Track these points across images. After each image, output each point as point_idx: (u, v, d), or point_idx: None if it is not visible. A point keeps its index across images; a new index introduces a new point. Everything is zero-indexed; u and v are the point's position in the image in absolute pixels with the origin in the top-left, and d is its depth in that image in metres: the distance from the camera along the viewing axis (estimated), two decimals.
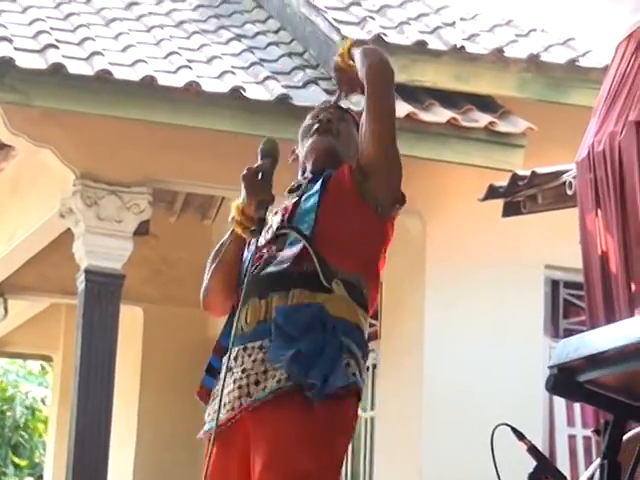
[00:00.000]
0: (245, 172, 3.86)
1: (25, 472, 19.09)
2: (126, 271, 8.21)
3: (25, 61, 7.43)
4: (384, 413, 8.68)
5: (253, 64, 8.18)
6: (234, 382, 3.60)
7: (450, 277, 7.94)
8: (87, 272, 8.02)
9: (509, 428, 4.04)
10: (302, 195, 3.90)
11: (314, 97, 7.64)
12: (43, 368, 17.73)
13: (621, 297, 5.77)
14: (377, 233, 3.86)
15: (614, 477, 3.16)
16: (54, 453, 13.60)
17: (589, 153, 6.03)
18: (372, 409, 8.97)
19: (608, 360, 3.06)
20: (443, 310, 8.07)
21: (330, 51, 7.92)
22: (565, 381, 3.21)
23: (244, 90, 7.65)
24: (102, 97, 7.58)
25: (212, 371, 3.81)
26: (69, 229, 8.54)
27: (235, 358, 3.63)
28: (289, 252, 3.71)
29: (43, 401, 18.26)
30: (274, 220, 3.87)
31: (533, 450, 3.90)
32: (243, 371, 3.61)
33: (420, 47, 7.77)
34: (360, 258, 3.79)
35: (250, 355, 3.63)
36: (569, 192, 6.43)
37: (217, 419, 3.52)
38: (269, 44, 8.69)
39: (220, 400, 3.61)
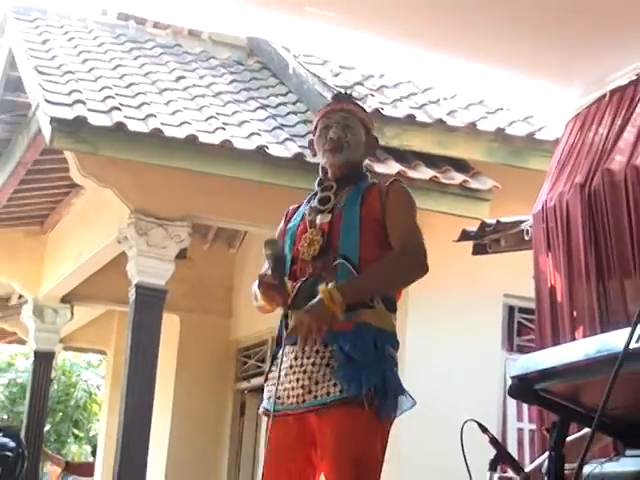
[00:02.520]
0: (260, 283, 3.72)
1: (82, 442, 19.30)
2: (168, 286, 8.24)
3: (95, 120, 7.47)
4: None
5: (275, 128, 8.23)
6: (297, 380, 3.64)
7: (428, 302, 7.89)
8: (137, 287, 8.10)
9: (475, 423, 4.09)
10: (333, 209, 3.82)
11: None
12: (100, 361, 17.75)
13: (565, 322, 5.78)
14: None
15: (560, 466, 3.19)
16: (106, 427, 13.73)
17: (543, 208, 6.06)
18: None
19: (557, 374, 3.08)
20: (422, 328, 8.01)
21: None
22: (523, 389, 3.24)
23: (267, 148, 7.70)
24: (154, 150, 7.63)
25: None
26: (124, 252, 8.57)
27: (295, 358, 3.64)
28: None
29: (98, 387, 18.40)
30: (313, 234, 3.79)
31: (494, 441, 3.91)
32: (304, 372, 3.63)
33: (410, 119, 7.81)
34: None
35: (308, 358, 3.63)
36: (526, 237, 6.45)
37: (274, 405, 3.64)
38: (288, 113, 8.73)
39: (276, 389, 3.68)
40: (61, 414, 18.20)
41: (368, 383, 3.56)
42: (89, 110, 7.57)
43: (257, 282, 3.75)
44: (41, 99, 7.73)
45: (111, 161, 7.85)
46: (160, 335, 8.12)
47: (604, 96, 6.06)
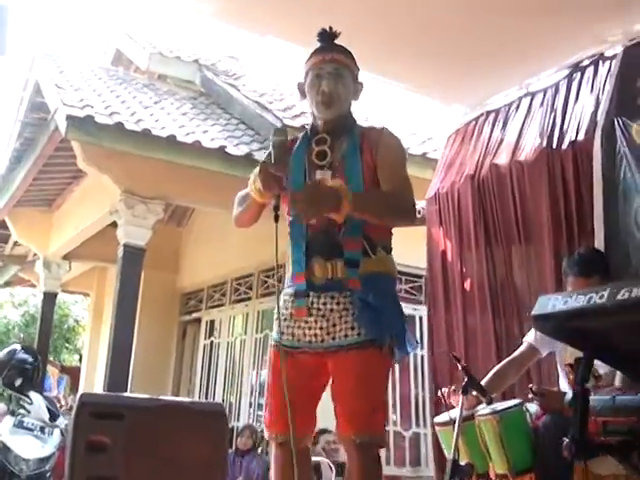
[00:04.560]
0: (260, 169, 2.33)
1: (72, 353, 18.02)
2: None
3: (99, 119, 5.95)
4: None
5: (228, 137, 6.75)
6: (315, 322, 2.34)
7: None
8: (125, 246, 6.51)
9: (451, 356, 2.81)
10: (332, 164, 2.45)
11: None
12: (84, 300, 16.23)
13: (455, 275, 4.68)
14: None
15: (585, 398, 1.93)
16: (89, 344, 12.30)
17: (435, 194, 4.97)
18: None
19: (585, 314, 1.86)
20: None
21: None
22: (554, 325, 1.98)
23: (226, 147, 6.26)
24: (143, 144, 6.11)
25: (302, 294, 2.43)
26: (108, 226, 7.33)
27: (312, 303, 2.35)
28: (348, 239, 2.39)
29: (83, 317, 16.92)
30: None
31: (465, 370, 2.66)
32: (323, 316, 2.33)
33: None
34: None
35: (325, 304, 2.34)
36: (419, 216, 5.31)
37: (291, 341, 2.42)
38: (235, 129, 7.18)
39: (287, 327, 2.42)
40: (57, 334, 16.57)
41: (389, 328, 2.31)
42: (95, 113, 6.02)
43: (258, 169, 2.36)
44: (59, 104, 6.13)
45: (108, 153, 6.24)
46: (140, 282, 6.61)
47: (482, 115, 4.92)
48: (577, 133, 3.92)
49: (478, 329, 4.40)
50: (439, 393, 2.80)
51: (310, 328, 2.37)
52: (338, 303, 2.35)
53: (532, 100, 4.49)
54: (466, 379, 2.60)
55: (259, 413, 7.81)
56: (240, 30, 4.37)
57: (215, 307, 9.42)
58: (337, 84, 2.47)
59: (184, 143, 6.12)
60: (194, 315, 9.88)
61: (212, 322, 9.46)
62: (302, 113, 6.78)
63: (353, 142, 2.47)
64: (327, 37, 2.61)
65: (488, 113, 4.85)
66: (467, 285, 4.51)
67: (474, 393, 2.65)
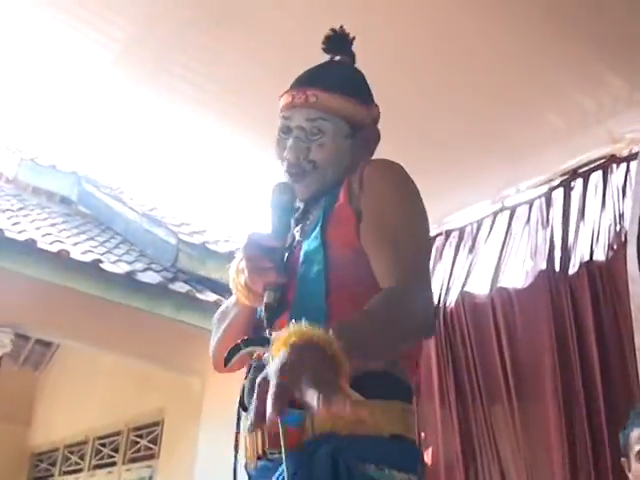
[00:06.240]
0: (248, 243, 1.16)
1: None
2: None
3: None
4: None
5: (106, 253, 5.41)
6: None
7: (220, 420, 5.29)
8: None
9: None
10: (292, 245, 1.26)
11: (151, 277, 5.02)
12: None
13: None
14: None
15: None
16: None
17: None
18: None
19: None
20: (211, 443, 5.37)
21: (165, 250, 5.40)
22: None
23: (102, 262, 4.85)
24: None
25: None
26: None
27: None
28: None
29: None
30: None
31: None
32: None
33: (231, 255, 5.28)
34: None
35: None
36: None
37: None
38: (115, 248, 5.83)
39: None
40: None
41: None
42: None
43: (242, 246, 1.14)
44: None
45: None
46: None
47: (440, 234, 3.92)
48: (592, 251, 2.95)
49: None
50: None
51: None
52: None
53: (512, 215, 3.55)
54: None
55: None
56: (146, 88, 3.23)
57: (71, 473, 7.71)
58: (310, 143, 1.39)
59: (46, 252, 4.71)
60: None
61: None
62: (203, 231, 5.61)
63: (327, 203, 1.34)
64: (334, 44, 1.50)
65: (448, 232, 3.87)
66: (428, 456, 3.28)
67: None
